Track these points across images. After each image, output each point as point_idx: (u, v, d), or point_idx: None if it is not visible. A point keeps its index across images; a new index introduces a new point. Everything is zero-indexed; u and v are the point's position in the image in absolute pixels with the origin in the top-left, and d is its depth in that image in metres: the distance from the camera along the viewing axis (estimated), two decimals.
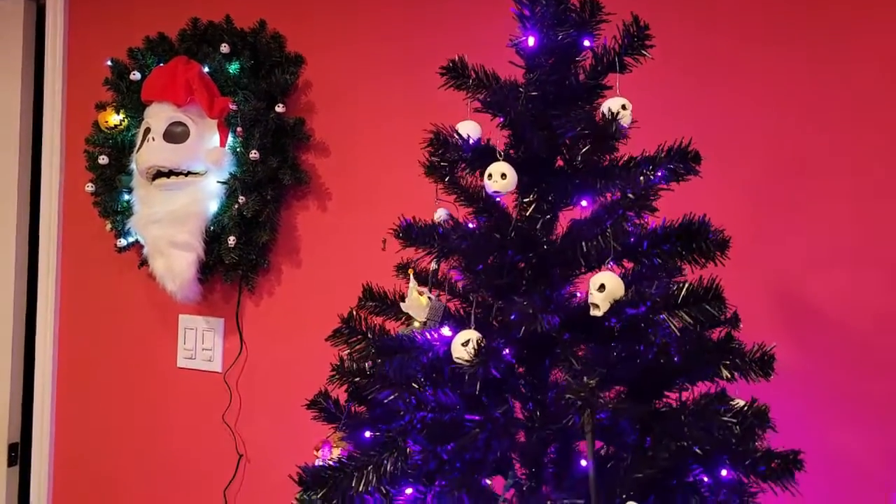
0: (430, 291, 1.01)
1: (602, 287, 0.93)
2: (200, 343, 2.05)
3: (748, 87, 1.55)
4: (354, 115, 1.88)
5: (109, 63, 1.96)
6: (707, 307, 0.88)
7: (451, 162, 1.00)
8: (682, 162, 0.97)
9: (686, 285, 0.91)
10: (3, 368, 2.23)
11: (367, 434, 1.03)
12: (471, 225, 1.01)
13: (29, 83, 2.21)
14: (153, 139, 1.83)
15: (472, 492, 0.93)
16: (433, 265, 1.03)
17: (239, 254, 1.85)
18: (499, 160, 0.98)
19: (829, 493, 1.49)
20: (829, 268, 1.49)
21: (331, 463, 0.98)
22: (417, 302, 0.99)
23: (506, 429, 0.94)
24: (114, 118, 1.96)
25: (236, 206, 1.82)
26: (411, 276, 1.04)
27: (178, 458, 2.06)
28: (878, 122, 1.47)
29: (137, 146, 1.89)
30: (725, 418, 0.89)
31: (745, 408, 0.93)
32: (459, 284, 1.10)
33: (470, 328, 0.95)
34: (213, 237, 1.87)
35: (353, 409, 1.12)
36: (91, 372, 2.17)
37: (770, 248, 1.53)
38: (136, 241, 1.96)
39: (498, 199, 1.02)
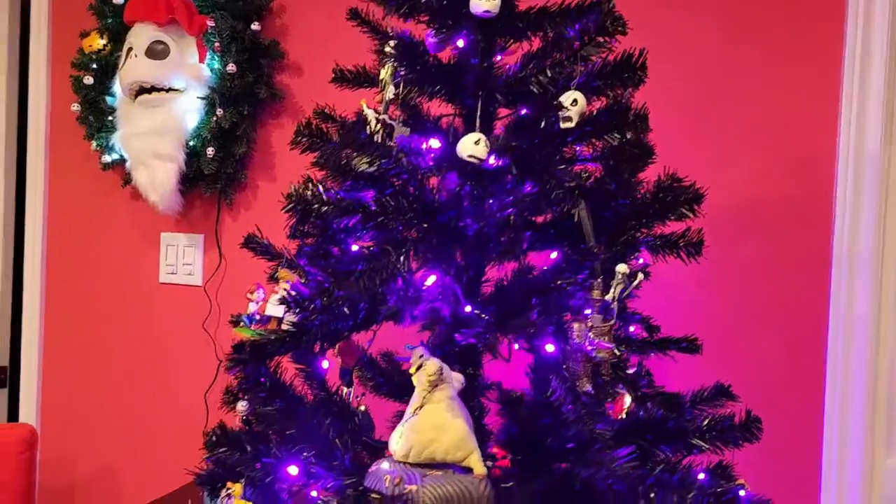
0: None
1: (575, 102, 1.10)
2: (182, 258, 2.15)
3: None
4: (326, 37, 1.99)
5: None
6: (640, 124, 1.15)
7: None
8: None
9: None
10: None
11: (355, 247, 1.16)
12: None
13: (16, 14, 2.31)
14: (136, 56, 1.93)
15: None
16: (388, 96, 1.14)
17: (218, 165, 1.96)
18: None
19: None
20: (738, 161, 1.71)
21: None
22: (376, 129, 1.11)
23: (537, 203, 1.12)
24: (98, 42, 2.07)
25: (215, 119, 1.93)
26: (364, 106, 1.16)
27: (162, 366, 2.17)
28: (791, 30, 1.66)
29: (121, 65, 2.00)
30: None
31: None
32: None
33: (475, 131, 1.11)
34: (192, 152, 1.98)
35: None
36: (77, 291, 2.27)
37: (688, 143, 1.69)
38: (121, 158, 2.06)
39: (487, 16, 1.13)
